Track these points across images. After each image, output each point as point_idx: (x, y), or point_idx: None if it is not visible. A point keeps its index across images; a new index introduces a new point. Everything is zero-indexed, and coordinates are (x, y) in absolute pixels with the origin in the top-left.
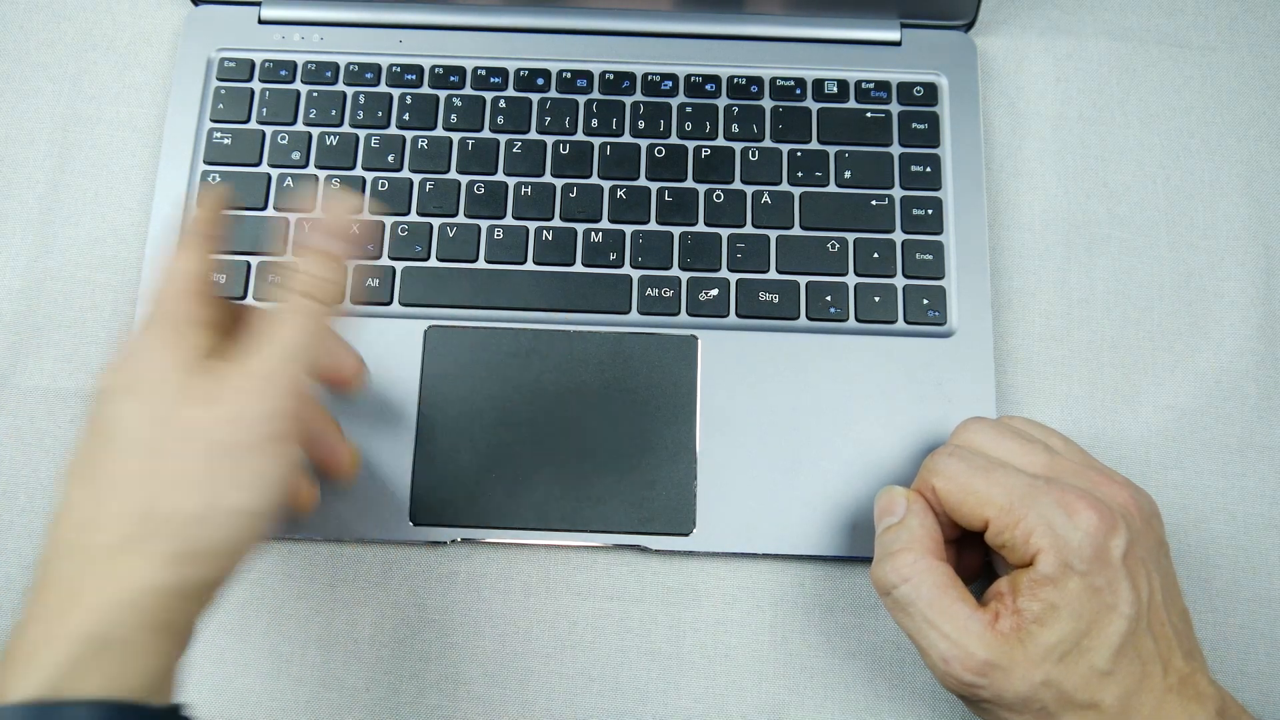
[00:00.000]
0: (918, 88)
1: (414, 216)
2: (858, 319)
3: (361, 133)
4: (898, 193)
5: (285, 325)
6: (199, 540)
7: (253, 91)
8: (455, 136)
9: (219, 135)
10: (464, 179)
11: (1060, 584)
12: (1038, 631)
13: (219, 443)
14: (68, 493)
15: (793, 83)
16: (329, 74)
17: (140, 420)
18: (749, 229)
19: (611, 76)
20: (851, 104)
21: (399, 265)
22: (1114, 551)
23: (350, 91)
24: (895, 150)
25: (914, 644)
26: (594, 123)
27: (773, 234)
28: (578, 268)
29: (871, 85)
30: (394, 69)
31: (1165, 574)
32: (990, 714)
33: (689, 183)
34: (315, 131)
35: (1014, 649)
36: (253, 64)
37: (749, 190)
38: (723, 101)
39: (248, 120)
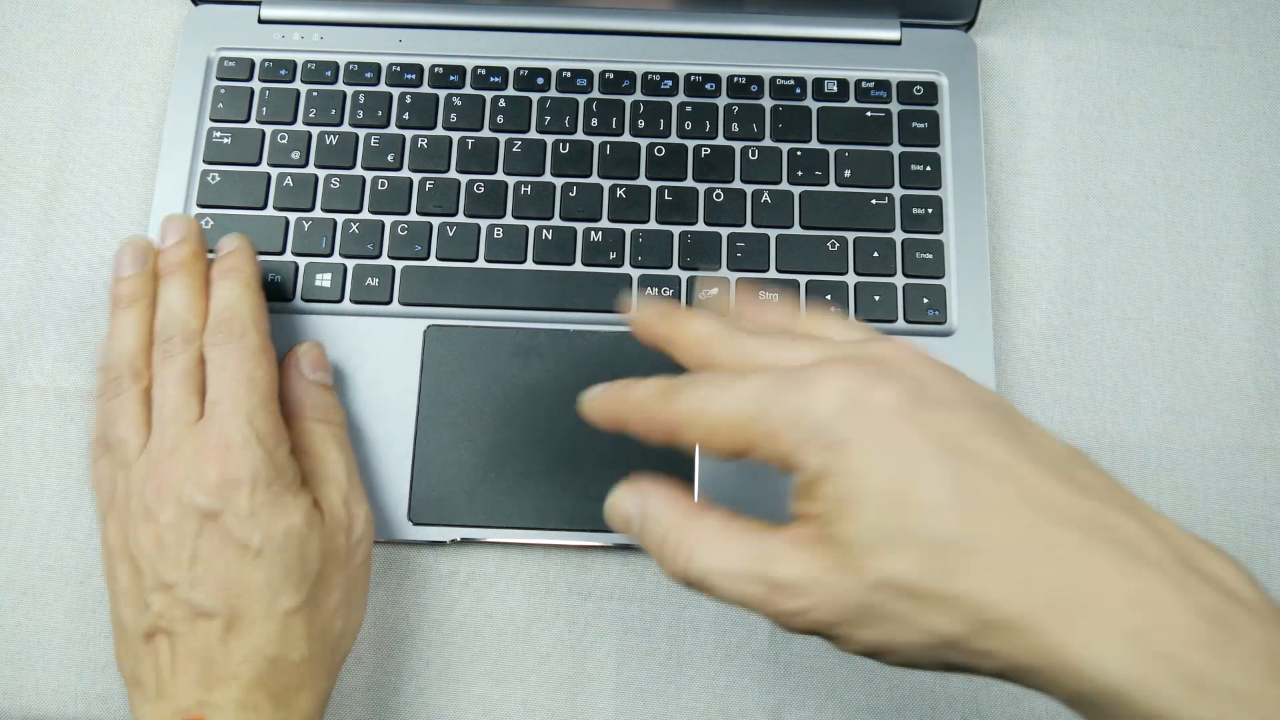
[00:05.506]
0: (918, 87)
1: (414, 216)
2: (858, 318)
3: (361, 132)
4: (898, 192)
5: (332, 455)
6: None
7: (252, 91)
8: (455, 136)
9: (219, 135)
10: (464, 178)
11: (830, 470)
12: (839, 530)
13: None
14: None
15: (793, 82)
16: (329, 73)
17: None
18: (749, 228)
19: (611, 76)
20: (851, 103)
21: (398, 264)
22: (881, 405)
23: (350, 91)
24: (895, 149)
25: (749, 609)
26: (594, 122)
27: (773, 233)
28: (578, 267)
29: (871, 84)
30: (394, 68)
31: (994, 412)
32: (849, 641)
33: (689, 182)
34: (315, 131)
35: (821, 554)
36: (252, 63)
37: (749, 189)
38: (722, 101)
39: (247, 120)
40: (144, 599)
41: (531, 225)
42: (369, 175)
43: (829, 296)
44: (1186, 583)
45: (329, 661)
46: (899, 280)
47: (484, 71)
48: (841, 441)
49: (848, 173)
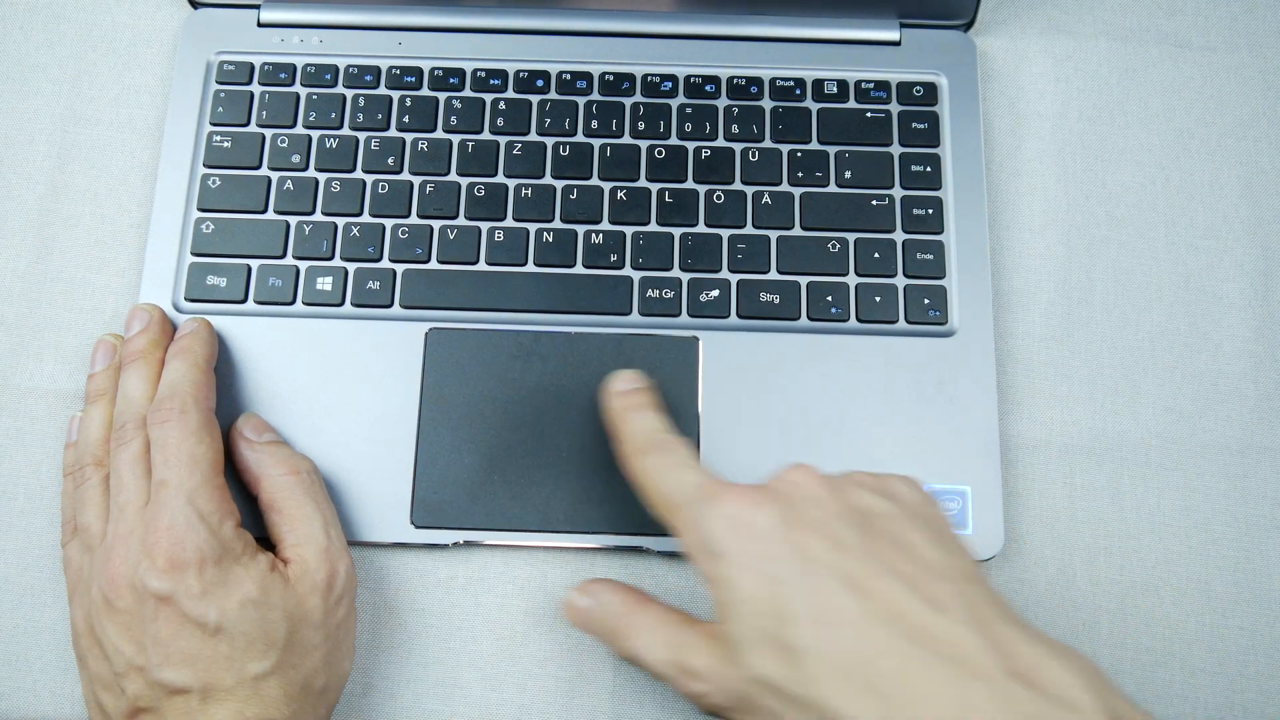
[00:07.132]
0: (917, 88)
1: (414, 219)
2: (859, 319)
3: (361, 135)
4: (898, 192)
5: (307, 510)
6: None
7: (252, 94)
8: (455, 138)
9: (219, 138)
10: (464, 181)
11: (712, 577)
12: (726, 629)
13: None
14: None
15: (792, 83)
16: (328, 76)
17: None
18: (749, 229)
19: (611, 78)
20: (851, 104)
21: (399, 268)
22: (757, 526)
23: (350, 94)
24: (895, 150)
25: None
26: (594, 124)
27: (773, 234)
28: (578, 269)
29: (871, 85)
30: (393, 71)
31: (872, 532)
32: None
33: (689, 184)
34: (315, 134)
35: (719, 648)
36: (252, 67)
37: (749, 191)
38: (722, 102)
39: (247, 123)
40: (118, 684)
41: (532, 228)
42: (369, 178)
43: (830, 297)
44: (1011, 694)
45: (315, 715)
46: (900, 281)
47: (484, 74)
48: (721, 554)
49: (848, 174)
